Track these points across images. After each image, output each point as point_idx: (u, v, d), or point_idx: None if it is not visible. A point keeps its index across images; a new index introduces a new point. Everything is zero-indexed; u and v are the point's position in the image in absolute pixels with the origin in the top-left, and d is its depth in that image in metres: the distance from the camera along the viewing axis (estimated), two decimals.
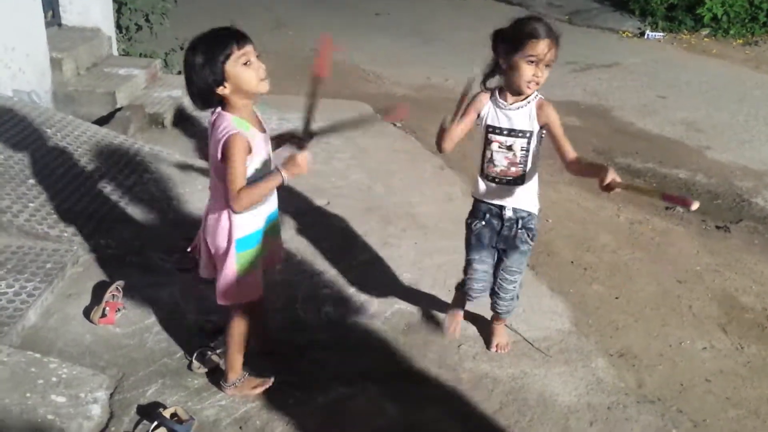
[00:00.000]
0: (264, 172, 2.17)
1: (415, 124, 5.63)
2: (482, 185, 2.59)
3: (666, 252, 3.84)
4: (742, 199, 4.65)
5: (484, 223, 2.62)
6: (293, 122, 5.21)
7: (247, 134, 2.08)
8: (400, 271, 3.38)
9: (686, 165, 5.20)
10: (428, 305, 3.12)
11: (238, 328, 2.40)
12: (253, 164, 2.14)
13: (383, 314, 3.05)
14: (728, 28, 9.27)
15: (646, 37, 9.24)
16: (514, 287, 2.71)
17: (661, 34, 9.30)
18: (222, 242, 2.23)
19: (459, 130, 2.45)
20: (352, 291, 3.18)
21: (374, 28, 9.27)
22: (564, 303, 3.24)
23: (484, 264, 2.69)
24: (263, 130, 2.21)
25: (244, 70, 2.02)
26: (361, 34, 8.90)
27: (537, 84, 2.37)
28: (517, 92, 2.43)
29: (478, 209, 2.64)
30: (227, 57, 2.00)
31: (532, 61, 2.32)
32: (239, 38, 2.02)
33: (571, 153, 2.48)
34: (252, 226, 2.24)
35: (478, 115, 2.49)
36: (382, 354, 2.80)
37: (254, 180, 2.13)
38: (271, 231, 2.35)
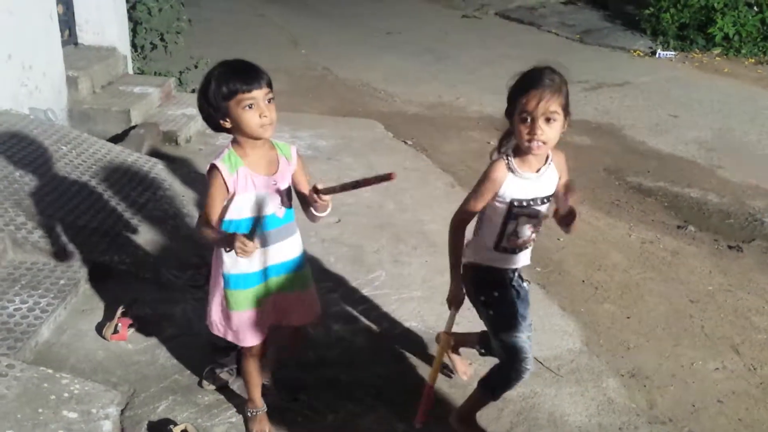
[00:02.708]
0: (255, 212, 2.10)
1: (426, 142, 5.67)
2: (491, 255, 2.32)
3: (678, 271, 3.82)
4: (755, 218, 4.63)
5: (510, 290, 2.34)
6: (305, 139, 5.28)
7: (226, 171, 2.05)
8: (410, 289, 3.39)
9: (698, 184, 5.18)
10: (438, 323, 3.12)
11: (245, 366, 2.37)
12: (237, 203, 2.09)
13: (393, 332, 3.05)
14: (740, 47, 9.27)
15: (657, 56, 9.25)
16: None
17: (673, 53, 9.31)
18: (216, 273, 2.22)
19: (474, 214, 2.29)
20: (362, 309, 3.19)
21: (386, 47, 9.34)
22: (575, 322, 3.24)
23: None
24: (273, 172, 2.13)
25: (244, 113, 2.00)
26: (373, 52, 8.96)
27: (543, 143, 2.08)
28: (529, 155, 2.17)
29: (493, 278, 2.35)
30: (231, 95, 1.99)
31: (525, 119, 2.07)
32: (250, 80, 1.99)
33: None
34: (243, 266, 2.15)
35: (495, 194, 2.21)
36: (393, 372, 2.80)
37: (240, 221, 2.10)
38: (280, 284, 2.24)
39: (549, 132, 2.08)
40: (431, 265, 3.61)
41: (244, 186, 2.08)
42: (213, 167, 2.07)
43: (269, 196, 2.12)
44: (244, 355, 2.36)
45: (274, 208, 2.14)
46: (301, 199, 2.24)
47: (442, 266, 3.59)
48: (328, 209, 2.15)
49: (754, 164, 5.65)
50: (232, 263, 2.15)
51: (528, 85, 2.07)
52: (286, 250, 2.22)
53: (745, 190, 5.10)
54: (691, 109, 7.11)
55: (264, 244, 2.14)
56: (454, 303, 2.44)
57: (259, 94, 2.00)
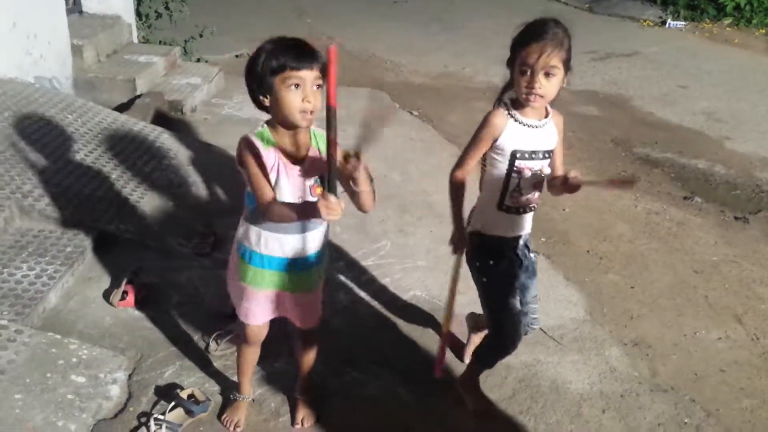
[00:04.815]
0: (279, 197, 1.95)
1: (432, 113, 5.64)
2: (495, 218, 2.28)
3: (683, 242, 3.82)
4: (761, 190, 4.61)
5: (507, 261, 2.31)
6: None
7: (261, 145, 1.90)
8: (415, 258, 3.40)
9: (705, 155, 5.15)
10: (442, 293, 3.14)
11: (240, 351, 2.31)
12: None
13: (398, 301, 3.07)
14: (751, 17, 9.15)
15: (667, 26, 9.14)
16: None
17: (683, 23, 9.19)
18: (236, 238, 2.11)
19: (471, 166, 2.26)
20: (366, 278, 3.21)
21: (392, 17, 9.25)
22: (579, 292, 3.25)
23: (521, 307, 2.35)
24: (301, 161, 1.94)
25: (288, 93, 1.83)
26: (379, 22, 8.88)
27: (540, 96, 2.06)
28: (527, 107, 2.14)
29: (494, 246, 2.32)
30: (279, 71, 1.82)
31: (524, 71, 2.05)
32: (302, 58, 1.83)
33: (559, 170, 2.26)
34: (257, 245, 2.03)
35: (494, 141, 2.18)
36: (396, 340, 2.83)
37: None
38: (292, 279, 2.11)
39: (547, 86, 2.06)
40: (436, 235, 3.62)
41: (271, 168, 1.92)
42: (246, 141, 1.90)
43: (291, 185, 1.95)
44: (241, 340, 2.28)
45: (293, 198, 1.96)
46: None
47: (446, 236, 3.58)
48: (362, 181, 1.81)
49: (762, 136, 5.61)
50: (257, 242, 2.03)
51: (530, 37, 2.04)
52: (306, 243, 2.05)
53: (752, 162, 5.07)
54: (700, 79, 7.04)
55: (276, 229, 2.00)
56: (458, 245, 2.36)
57: (308, 75, 1.82)
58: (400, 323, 2.94)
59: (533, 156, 2.18)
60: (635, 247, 3.73)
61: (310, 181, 1.98)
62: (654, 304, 3.22)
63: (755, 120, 5.97)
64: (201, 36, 6.31)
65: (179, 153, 4.07)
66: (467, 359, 2.67)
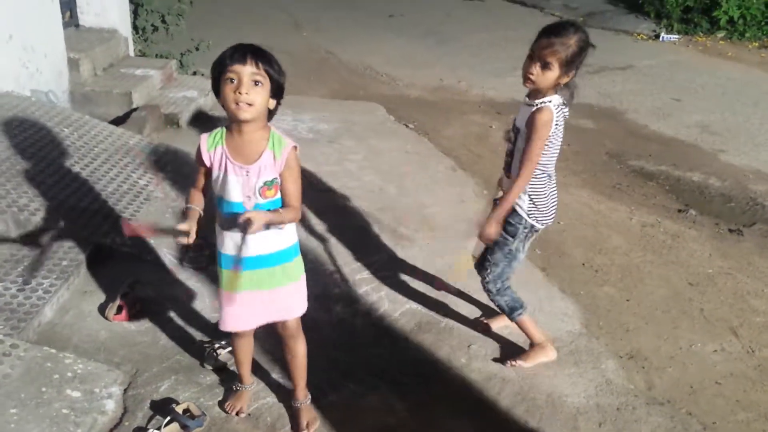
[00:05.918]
0: (219, 194, 2.10)
1: (428, 126, 5.66)
2: None
3: (678, 255, 3.83)
4: (756, 202, 4.63)
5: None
6: (306, 122, 5.27)
7: (204, 145, 2.07)
8: (411, 271, 3.40)
9: (700, 168, 5.18)
10: (438, 305, 3.14)
11: (233, 344, 2.42)
12: (213, 179, 2.11)
13: (394, 314, 3.07)
14: (744, 30, 9.23)
15: (661, 39, 9.20)
16: (488, 275, 2.71)
17: (677, 36, 9.26)
18: None
19: None
20: (363, 291, 3.21)
21: (388, 30, 9.30)
22: (575, 305, 3.25)
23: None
24: (250, 162, 2.03)
25: (225, 87, 1.96)
26: (375, 35, 8.93)
27: (531, 81, 2.42)
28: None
29: None
30: (219, 69, 1.97)
31: (530, 56, 2.41)
32: (237, 55, 1.94)
33: (516, 171, 2.54)
34: (221, 246, 2.17)
35: None
36: (393, 353, 2.83)
37: (217, 197, 2.13)
38: (250, 279, 2.16)
39: (540, 74, 2.40)
40: (431, 248, 3.63)
41: (218, 166, 2.07)
42: (201, 138, 2.10)
43: (238, 183, 2.05)
44: (232, 335, 2.37)
45: (241, 197, 2.06)
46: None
47: (442, 249, 3.62)
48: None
49: (756, 148, 5.64)
50: (219, 242, 2.18)
51: (545, 31, 2.40)
52: (253, 244, 2.11)
53: (746, 174, 5.10)
54: (694, 93, 7.09)
55: (226, 227, 2.13)
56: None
57: (242, 69, 1.93)
58: (397, 336, 2.94)
59: (513, 125, 2.60)
60: (630, 259, 3.74)
61: (260, 183, 2.06)
62: (649, 317, 3.22)
63: (749, 132, 6.01)
64: (197, 49, 6.33)
65: (175, 166, 4.08)
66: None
